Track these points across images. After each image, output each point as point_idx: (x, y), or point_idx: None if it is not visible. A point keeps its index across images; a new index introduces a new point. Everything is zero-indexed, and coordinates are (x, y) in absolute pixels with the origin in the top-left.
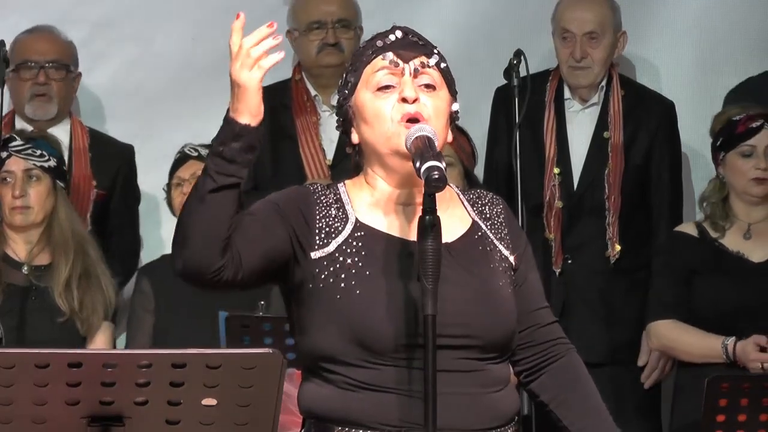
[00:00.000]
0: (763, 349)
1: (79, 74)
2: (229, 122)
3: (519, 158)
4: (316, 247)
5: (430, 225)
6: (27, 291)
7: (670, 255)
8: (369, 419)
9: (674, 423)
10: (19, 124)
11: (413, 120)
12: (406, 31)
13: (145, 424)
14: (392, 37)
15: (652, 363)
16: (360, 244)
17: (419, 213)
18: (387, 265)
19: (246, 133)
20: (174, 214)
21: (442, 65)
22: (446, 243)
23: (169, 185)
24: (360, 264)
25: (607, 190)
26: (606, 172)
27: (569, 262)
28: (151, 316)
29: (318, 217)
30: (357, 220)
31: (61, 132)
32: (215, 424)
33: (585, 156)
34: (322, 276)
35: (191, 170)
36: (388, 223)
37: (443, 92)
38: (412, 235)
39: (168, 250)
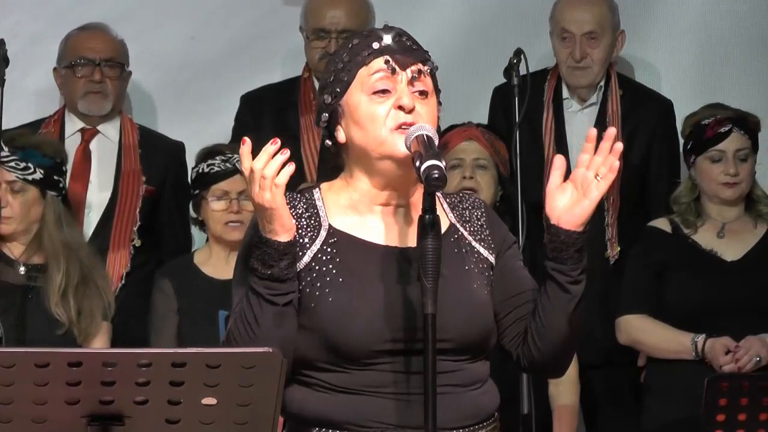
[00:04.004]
0: (731, 353)
1: (130, 72)
2: (268, 243)
3: (518, 158)
4: None
5: (430, 224)
6: (24, 290)
7: (642, 249)
8: (345, 421)
9: (644, 423)
10: (69, 120)
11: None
12: (400, 33)
13: (145, 423)
14: (388, 39)
15: None
16: (334, 250)
17: (396, 215)
18: (361, 270)
19: (290, 249)
20: (196, 214)
21: (434, 72)
22: None
23: (202, 190)
24: (334, 271)
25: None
26: None
27: None
28: (175, 316)
29: None
30: (330, 227)
31: (111, 129)
32: (215, 424)
33: None
34: (300, 286)
35: (239, 187)
36: (363, 227)
37: (433, 99)
38: (387, 239)
39: (192, 244)
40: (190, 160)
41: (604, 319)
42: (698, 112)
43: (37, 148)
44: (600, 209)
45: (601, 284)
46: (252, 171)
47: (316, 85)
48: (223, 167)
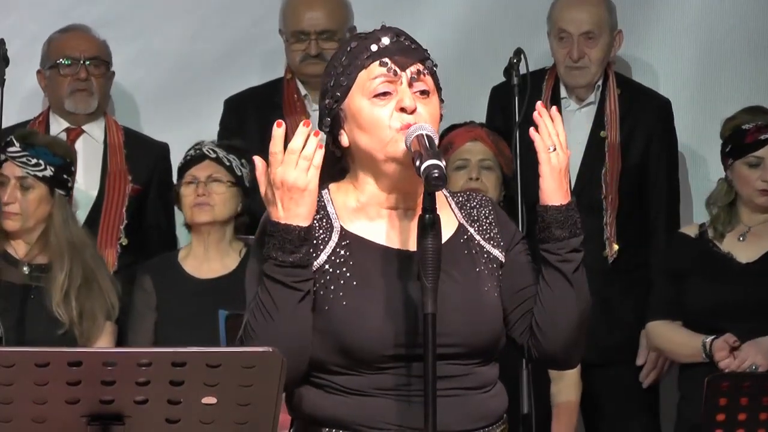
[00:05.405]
0: (733, 349)
1: (113, 73)
2: (288, 230)
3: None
4: None
5: (429, 224)
6: (26, 290)
7: (667, 256)
8: (356, 422)
9: (677, 429)
10: (54, 121)
11: None
12: (398, 33)
13: (145, 422)
14: (386, 41)
15: (650, 362)
16: (347, 253)
17: (405, 218)
18: (373, 274)
19: (310, 234)
20: (179, 208)
21: (434, 69)
22: None
23: (178, 181)
24: (348, 274)
25: (604, 190)
26: (603, 171)
27: None
28: (153, 313)
29: None
30: (342, 229)
31: (96, 129)
32: (215, 423)
33: (582, 156)
34: (314, 288)
35: (208, 171)
36: (373, 230)
37: (435, 97)
38: (397, 243)
39: (177, 245)
40: (175, 161)
41: (603, 318)
42: (738, 116)
43: (48, 146)
44: (598, 208)
45: (602, 283)
46: (290, 152)
47: (300, 86)
48: (193, 154)
